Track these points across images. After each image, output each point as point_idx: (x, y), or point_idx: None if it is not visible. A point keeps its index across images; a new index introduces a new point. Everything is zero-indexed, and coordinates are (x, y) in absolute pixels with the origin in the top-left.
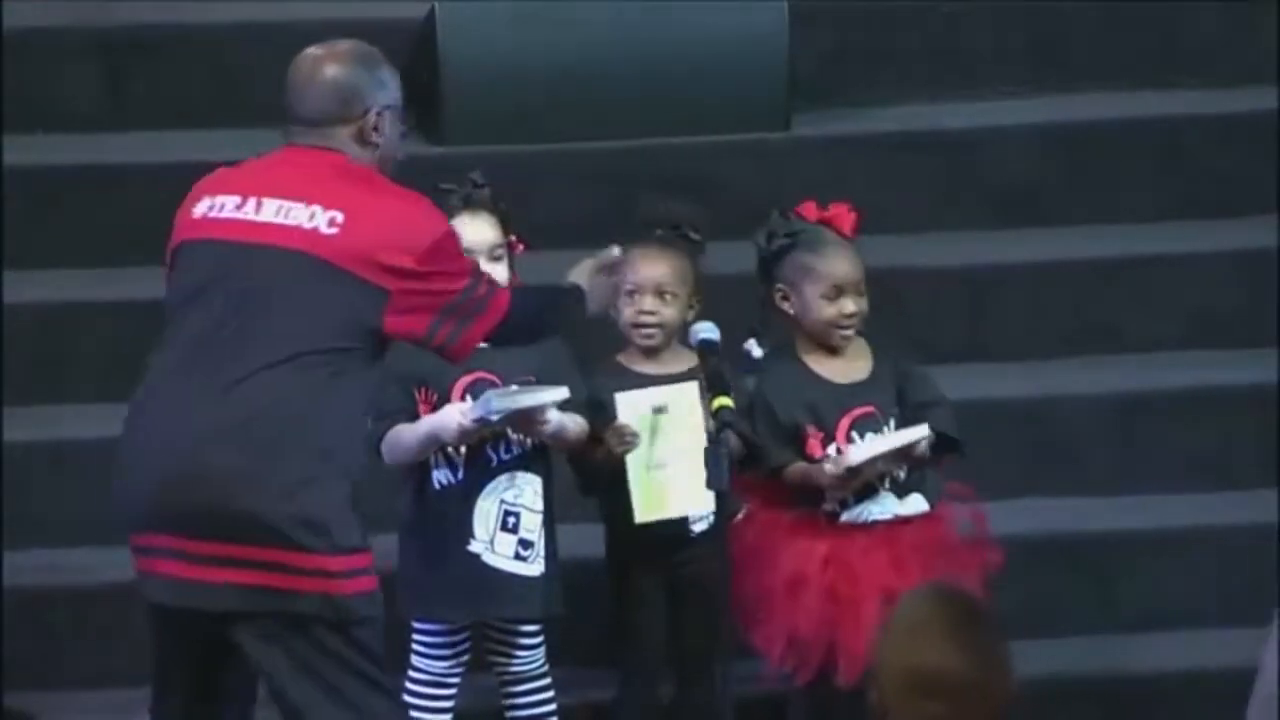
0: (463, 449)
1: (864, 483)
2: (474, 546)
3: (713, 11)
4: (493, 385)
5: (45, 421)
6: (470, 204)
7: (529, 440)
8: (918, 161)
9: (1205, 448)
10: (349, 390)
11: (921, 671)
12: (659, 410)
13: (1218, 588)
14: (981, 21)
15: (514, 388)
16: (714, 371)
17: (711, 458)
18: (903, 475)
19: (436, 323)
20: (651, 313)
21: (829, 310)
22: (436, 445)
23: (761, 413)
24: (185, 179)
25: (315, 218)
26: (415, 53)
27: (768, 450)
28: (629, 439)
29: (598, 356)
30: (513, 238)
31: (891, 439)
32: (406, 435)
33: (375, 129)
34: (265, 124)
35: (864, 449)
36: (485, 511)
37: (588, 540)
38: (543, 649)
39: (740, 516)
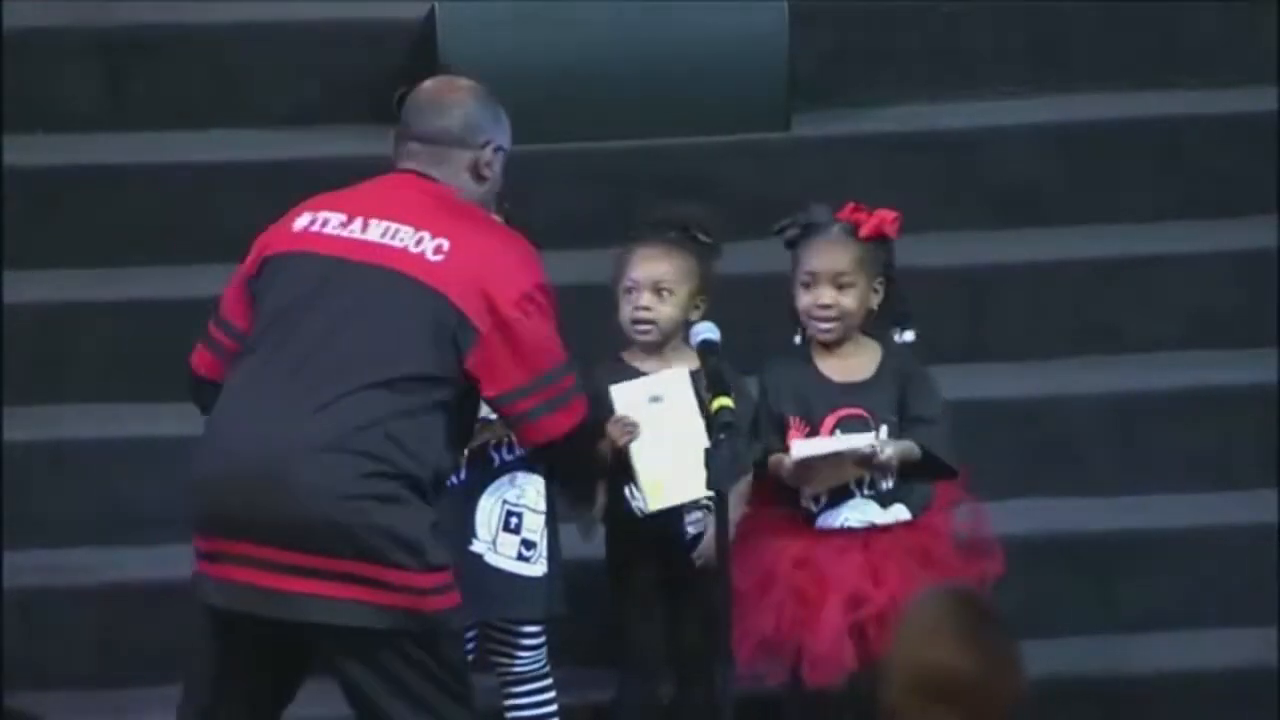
0: (465, 450)
1: (825, 483)
2: (476, 547)
3: (713, 11)
4: None
5: (45, 421)
6: None
7: None
8: (918, 161)
9: (1205, 448)
10: (441, 419)
11: (932, 672)
12: (655, 399)
13: (1218, 588)
14: (981, 21)
15: None
16: (714, 371)
17: (711, 458)
18: (888, 484)
19: (519, 391)
20: (647, 309)
21: (804, 299)
22: None
23: (761, 401)
24: (185, 179)
25: (422, 243)
26: (415, 53)
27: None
28: (630, 429)
29: (600, 355)
30: None
31: (833, 442)
32: None
33: (489, 164)
34: (265, 124)
35: (807, 446)
36: (488, 512)
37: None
38: (544, 649)
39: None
